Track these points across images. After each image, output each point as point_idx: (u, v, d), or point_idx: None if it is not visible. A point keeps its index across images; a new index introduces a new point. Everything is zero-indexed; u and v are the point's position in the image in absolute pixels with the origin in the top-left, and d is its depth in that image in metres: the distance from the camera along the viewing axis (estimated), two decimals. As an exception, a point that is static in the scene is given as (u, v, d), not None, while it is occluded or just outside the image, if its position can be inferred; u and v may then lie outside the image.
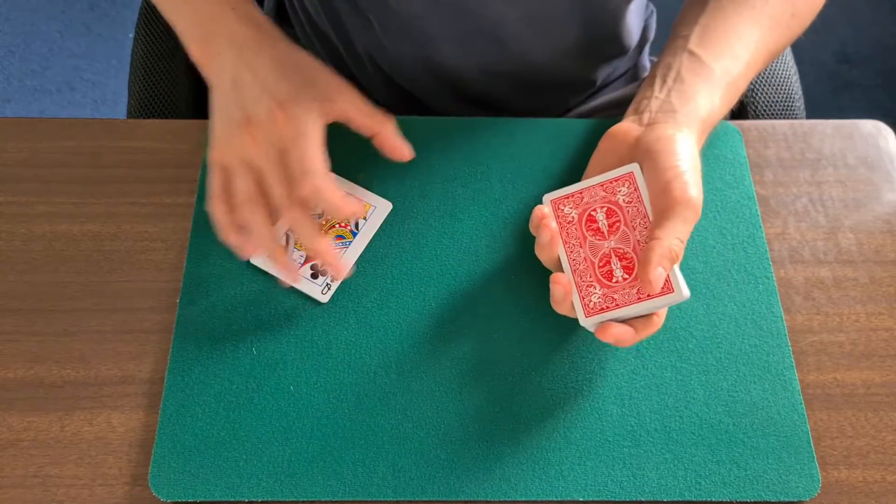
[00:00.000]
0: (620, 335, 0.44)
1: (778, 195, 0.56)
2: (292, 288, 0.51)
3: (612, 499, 0.45)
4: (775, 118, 0.72)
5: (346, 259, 0.52)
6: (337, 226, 0.53)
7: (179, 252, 0.53)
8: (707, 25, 0.51)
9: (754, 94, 0.73)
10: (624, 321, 0.45)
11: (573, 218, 0.47)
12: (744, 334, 0.50)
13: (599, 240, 0.46)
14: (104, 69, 1.58)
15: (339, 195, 0.46)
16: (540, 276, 0.50)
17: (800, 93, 0.74)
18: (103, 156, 0.57)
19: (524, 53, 0.62)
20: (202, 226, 0.52)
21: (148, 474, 0.46)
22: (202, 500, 0.45)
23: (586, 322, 0.45)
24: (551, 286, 0.45)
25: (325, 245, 0.47)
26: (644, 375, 0.49)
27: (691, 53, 0.50)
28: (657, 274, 0.42)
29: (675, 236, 0.43)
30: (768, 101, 0.72)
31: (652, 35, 0.75)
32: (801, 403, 0.48)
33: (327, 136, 0.52)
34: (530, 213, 0.47)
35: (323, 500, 0.45)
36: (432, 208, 0.54)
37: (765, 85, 0.73)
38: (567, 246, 0.47)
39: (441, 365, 0.49)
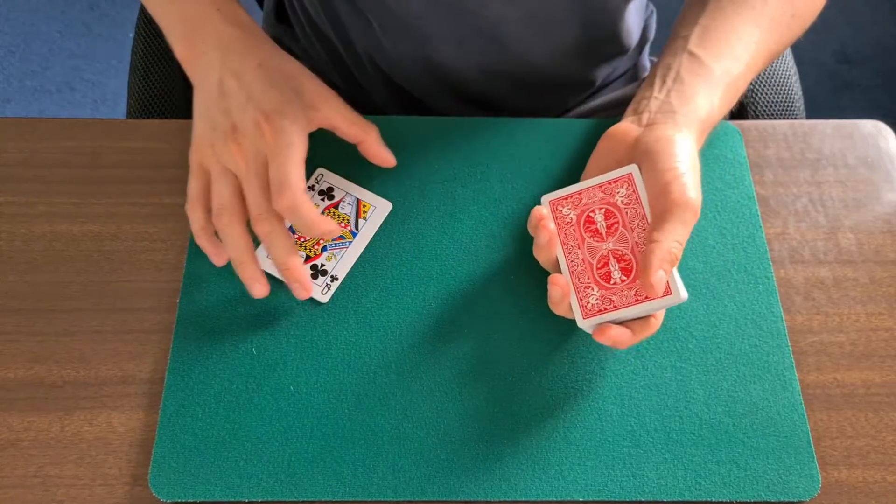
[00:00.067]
0: (618, 337, 0.44)
1: (778, 195, 0.56)
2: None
3: (612, 499, 0.45)
4: (775, 118, 0.72)
5: (345, 259, 0.52)
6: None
7: (179, 252, 0.53)
8: (707, 26, 0.51)
9: (754, 94, 0.73)
10: (622, 323, 0.45)
11: (571, 219, 0.47)
12: (744, 334, 0.50)
13: (598, 241, 0.46)
14: (104, 69, 1.59)
15: (315, 212, 0.46)
16: (539, 276, 0.50)
17: (800, 93, 0.74)
18: (103, 156, 0.57)
19: (524, 53, 0.62)
20: (202, 226, 0.52)
21: (148, 474, 0.46)
22: (202, 500, 0.45)
23: (584, 324, 0.45)
24: (549, 287, 0.45)
25: (297, 262, 0.48)
26: (644, 375, 0.49)
27: (691, 54, 0.50)
28: (658, 278, 0.42)
29: (673, 239, 0.43)
30: (768, 102, 0.73)
31: (652, 35, 0.75)
32: (801, 403, 0.48)
33: (327, 135, 0.53)
34: (529, 213, 0.47)
35: (323, 500, 0.45)
36: (432, 208, 0.54)
37: (765, 85, 0.73)
38: (565, 247, 0.47)
39: (441, 365, 0.49)
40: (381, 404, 0.47)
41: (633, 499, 0.45)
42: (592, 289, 0.45)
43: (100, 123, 0.58)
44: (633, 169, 0.47)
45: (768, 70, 0.74)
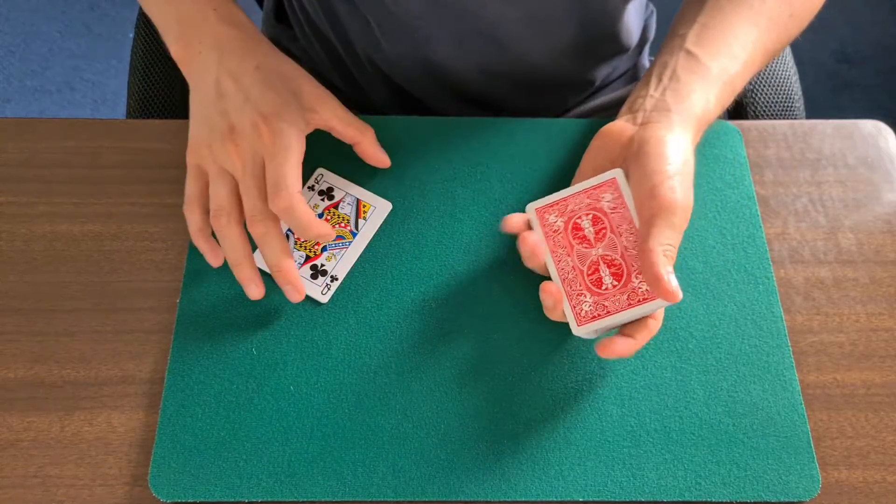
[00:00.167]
0: (622, 350, 0.44)
1: (778, 195, 0.56)
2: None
3: (612, 499, 0.45)
4: (775, 118, 0.72)
5: (345, 259, 0.52)
6: (337, 226, 0.53)
7: (179, 252, 0.53)
8: (705, 24, 0.51)
9: (754, 94, 0.73)
10: (618, 327, 0.45)
11: (559, 227, 0.47)
12: (744, 334, 0.50)
13: (587, 248, 0.46)
14: (104, 69, 1.59)
15: (310, 215, 0.46)
16: (539, 276, 0.50)
17: (799, 93, 0.74)
18: (103, 156, 0.57)
19: (523, 53, 0.62)
20: (202, 226, 0.52)
21: (148, 474, 0.46)
22: (202, 500, 0.45)
23: (580, 331, 0.45)
24: (541, 295, 0.46)
25: (290, 264, 0.48)
26: (644, 375, 0.49)
27: (688, 52, 0.50)
28: (671, 284, 0.42)
29: (664, 242, 0.43)
30: (768, 101, 0.73)
31: (652, 35, 0.75)
32: (801, 404, 0.48)
33: (327, 135, 0.53)
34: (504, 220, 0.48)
35: (323, 500, 0.45)
36: (432, 208, 0.54)
37: (765, 85, 0.73)
38: (554, 255, 0.47)
39: (441, 365, 0.49)
40: (381, 404, 0.47)
41: (633, 499, 0.45)
42: (585, 295, 0.45)
43: (100, 123, 0.58)
44: (617, 173, 0.47)
45: (768, 70, 0.74)
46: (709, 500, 0.45)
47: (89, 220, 0.54)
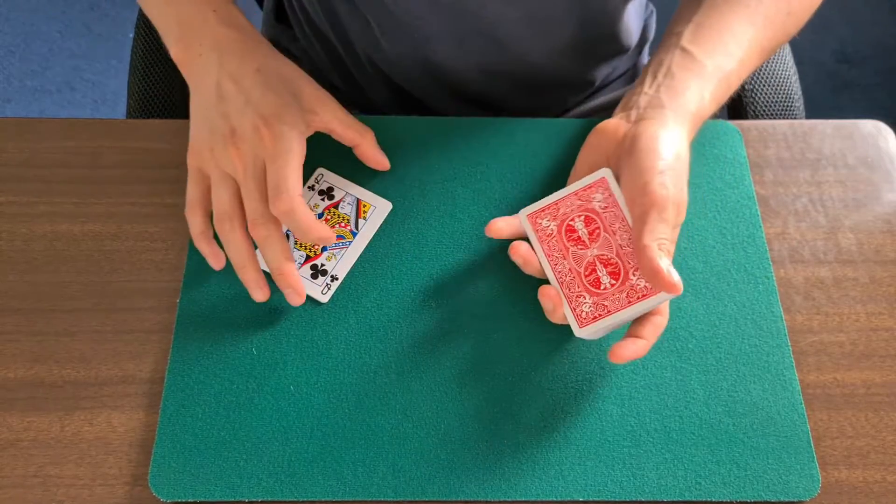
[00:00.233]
0: (635, 353, 0.44)
1: (778, 195, 0.56)
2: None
3: (612, 499, 0.45)
4: (775, 118, 0.72)
5: (345, 259, 0.52)
6: (337, 225, 0.53)
7: (180, 252, 0.53)
8: (701, 23, 0.51)
9: (754, 94, 0.73)
10: (620, 326, 0.45)
11: (552, 230, 0.47)
12: (744, 334, 0.50)
13: (582, 249, 0.46)
14: (104, 69, 1.59)
15: (311, 218, 0.47)
16: (539, 278, 0.50)
17: (799, 93, 0.74)
18: (103, 156, 0.57)
19: (523, 53, 0.62)
20: (202, 226, 0.52)
21: (148, 474, 0.46)
22: (202, 500, 0.45)
23: (582, 332, 0.45)
24: (540, 300, 0.46)
25: (291, 268, 0.48)
26: (644, 375, 0.49)
27: (683, 50, 0.50)
28: (671, 276, 0.42)
29: (658, 236, 0.43)
30: (768, 101, 0.72)
31: (652, 35, 0.75)
32: (801, 403, 0.48)
33: (327, 135, 0.53)
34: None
35: (323, 500, 0.45)
36: (432, 208, 0.54)
37: (764, 85, 0.73)
38: (550, 259, 0.47)
39: (441, 365, 0.49)
40: (381, 404, 0.47)
41: (633, 499, 0.45)
42: (584, 297, 0.45)
43: (100, 123, 0.58)
44: (605, 173, 0.47)
45: (768, 70, 0.74)
46: (709, 500, 0.45)
47: (89, 219, 0.54)
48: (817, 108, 1.50)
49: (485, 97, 0.67)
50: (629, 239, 0.45)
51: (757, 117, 0.72)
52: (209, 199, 0.49)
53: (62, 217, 0.54)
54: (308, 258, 0.52)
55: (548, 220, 0.48)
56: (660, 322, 0.45)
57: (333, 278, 0.51)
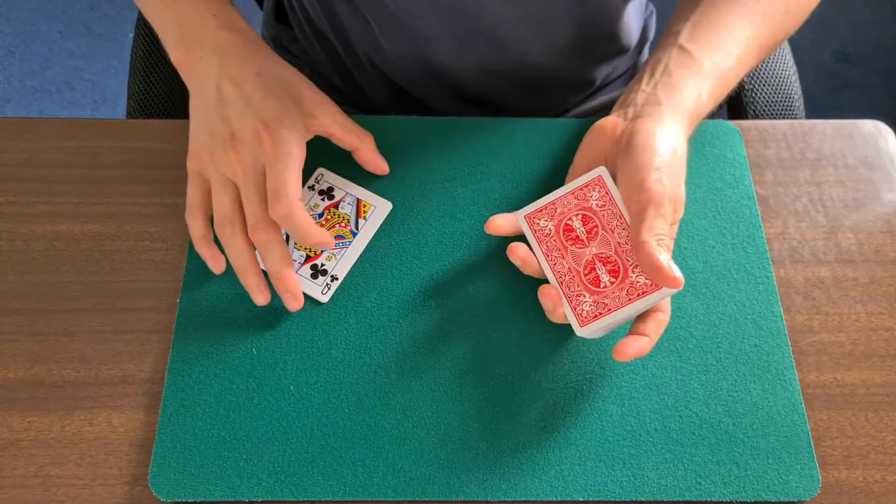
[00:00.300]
0: (638, 350, 0.44)
1: (778, 195, 0.56)
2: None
3: (612, 499, 0.45)
4: (775, 118, 0.72)
5: (345, 259, 0.52)
6: (337, 225, 0.53)
7: (180, 252, 0.53)
8: (698, 22, 0.51)
9: (754, 94, 0.73)
10: (621, 324, 0.45)
11: (550, 230, 0.47)
12: (744, 334, 0.50)
13: (580, 248, 0.46)
14: (104, 69, 1.59)
15: (310, 222, 0.47)
16: (539, 278, 0.50)
17: (799, 92, 0.74)
18: (103, 156, 0.57)
19: (523, 53, 0.62)
20: (202, 226, 0.52)
21: (148, 474, 0.46)
22: (202, 500, 0.45)
23: (583, 331, 0.45)
24: (540, 299, 0.46)
25: (290, 273, 0.48)
26: (644, 375, 0.49)
27: (681, 48, 0.50)
28: (671, 271, 0.42)
29: (656, 232, 0.43)
30: (768, 101, 0.73)
31: (652, 35, 0.75)
32: (801, 403, 0.48)
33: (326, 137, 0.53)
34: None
35: (323, 500, 0.45)
36: (432, 208, 0.54)
37: (764, 85, 0.73)
38: (549, 259, 0.47)
39: (441, 365, 0.49)
40: (381, 404, 0.47)
41: (633, 499, 0.45)
42: (584, 296, 0.45)
43: (100, 123, 0.58)
44: (602, 171, 0.47)
45: (768, 70, 0.74)
46: (709, 499, 0.45)
47: (89, 220, 0.54)
48: (817, 108, 1.50)
49: (485, 97, 0.67)
50: (627, 237, 0.45)
51: (757, 117, 0.72)
52: (209, 203, 0.49)
53: (62, 217, 0.54)
54: (308, 258, 0.52)
55: (545, 220, 0.48)
56: (662, 319, 0.45)
57: (333, 278, 0.51)
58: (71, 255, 0.53)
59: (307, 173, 0.54)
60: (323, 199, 0.54)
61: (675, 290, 0.43)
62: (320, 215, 0.54)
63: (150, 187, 0.55)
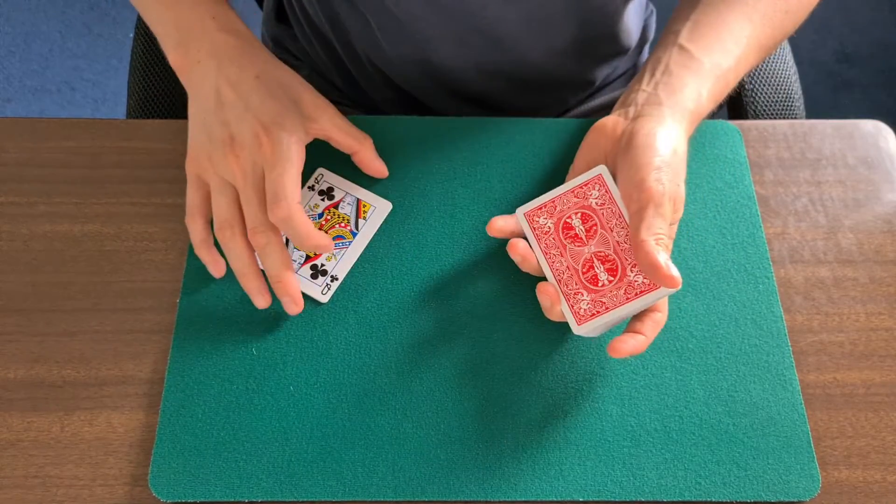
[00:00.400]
0: (633, 348, 0.44)
1: (778, 195, 0.56)
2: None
3: (612, 499, 0.45)
4: (775, 118, 0.72)
5: (345, 259, 0.52)
6: (337, 226, 0.53)
7: (180, 252, 0.53)
8: (698, 21, 0.51)
9: (754, 94, 0.73)
10: (619, 323, 0.45)
11: (549, 228, 0.47)
12: (744, 334, 0.50)
13: (579, 246, 0.46)
14: (104, 69, 1.59)
15: (309, 225, 0.47)
16: (539, 276, 0.50)
17: (799, 92, 0.74)
18: (103, 156, 0.57)
19: (523, 53, 0.62)
20: (202, 226, 0.52)
21: (148, 474, 0.46)
22: (202, 500, 0.45)
23: (580, 330, 0.45)
24: (538, 296, 0.46)
25: (290, 276, 0.48)
26: (644, 375, 0.49)
27: (681, 47, 0.50)
28: (669, 270, 0.42)
29: (655, 231, 0.43)
30: (768, 101, 0.73)
31: (652, 35, 0.75)
32: (801, 403, 0.48)
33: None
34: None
35: (323, 500, 0.45)
36: (432, 208, 0.54)
37: (764, 85, 0.73)
38: (548, 256, 0.47)
39: (441, 365, 0.49)
40: (381, 404, 0.47)
41: (633, 499, 0.45)
42: (582, 294, 0.45)
43: (100, 123, 0.58)
44: (602, 170, 0.47)
45: (768, 69, 0.74)
46: (709, 499, 0.45)
47: (89, 220, 0.54)
48: (817, 107, 1.50)
49: (485, 97, 0.67)
50: (626, 235, 0.45)
51: (757, 117, 0.72)
52: (209, 206, 0.49)
53: (62, 217, 0.54)
54: (308, 258, 0.52)
55: (545, 218, 0.48)
56: (659, 319, 0.45)
57: (333, 278, 0.51)
58: (71, 255, 0.53)
59: (307, 173, 0.54)
60: (323, 200, 0.54)
61: (673, 290, 0.43)
62: (320, 215, 0.54)
63: (150, 187, 0.55)
